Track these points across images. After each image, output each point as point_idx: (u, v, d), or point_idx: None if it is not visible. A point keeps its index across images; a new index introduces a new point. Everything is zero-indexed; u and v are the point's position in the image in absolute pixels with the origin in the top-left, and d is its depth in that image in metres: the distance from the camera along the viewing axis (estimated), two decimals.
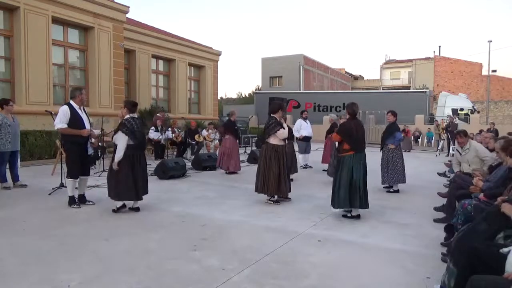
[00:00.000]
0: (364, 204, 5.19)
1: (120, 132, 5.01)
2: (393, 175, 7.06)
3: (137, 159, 5.13)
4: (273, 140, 5.86)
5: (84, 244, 3.92)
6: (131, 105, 5.28)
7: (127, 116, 5.14)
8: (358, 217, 5.19)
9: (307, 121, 10.39)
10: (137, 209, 5.25)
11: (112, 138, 5.29)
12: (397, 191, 7.17)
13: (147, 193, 5.41)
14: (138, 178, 5.11)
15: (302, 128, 10.04)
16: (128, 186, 5.03)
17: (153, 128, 11.73)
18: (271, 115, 6.00)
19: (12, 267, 3.29)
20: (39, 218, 4.85)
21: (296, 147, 9.06)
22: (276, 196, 5.93)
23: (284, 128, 5.85)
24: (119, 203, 5.13)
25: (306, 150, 10.37)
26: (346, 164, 5.16)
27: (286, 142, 6.14)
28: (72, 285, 2.97)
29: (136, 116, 5.27)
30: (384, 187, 7.31)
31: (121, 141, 5.00)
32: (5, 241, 3.93)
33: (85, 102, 5.64)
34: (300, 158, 10.09)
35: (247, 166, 10.41)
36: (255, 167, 10.00)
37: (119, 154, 4.99)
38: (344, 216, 5.23)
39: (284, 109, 6.10)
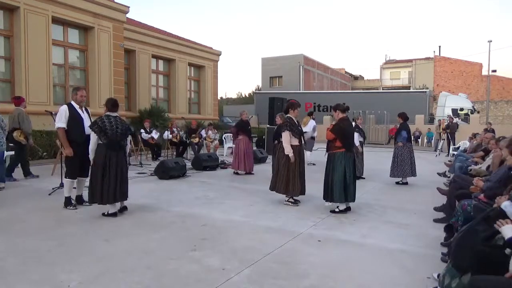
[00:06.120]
0: (353, 198, 5.52)
1: (91, 130, 4.93)
2: (400, 169, 7.93)
3: (110, 160, 4.88)
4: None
5: (84, 244, 3.92)
6: (111, 105, 5.11)
7: (104, 114, 5.04)
8: (349, 209, 5.51)
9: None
10: (124, 209, 5.10)
11: None
12: (406, 183, 8.06)
13: (126, 198, 5.11)
14: (106, 181, 4.83)
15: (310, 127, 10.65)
16: (95, 188, 4.83)
17: (142, 130, 11.83)
18: (287, 114, 6.01)
19: (12, 267, 3.28)
20: (39, 218, 4.85)
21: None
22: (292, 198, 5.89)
23: (291, 131, 5.71)
24: (111, 209, 4.94)
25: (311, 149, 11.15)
26: (338, 160, 5.41)
27: (303, 142, 6.06)
28: (72, 285, 2.97)
29: (114, 115, 5.06)
30: (397, 182, 8.11)
31: (92, 139, 4.92)
32: (5, 241, 3.93)
33: (84, 101, 5.56)
34: (308, 155, 10.35)
35: None
36: (255, 167, 10.07)
37: (90, 153, 4.94)
38: (332, 211, 5.45)
39: (294, 107, 5.95)
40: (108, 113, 5.07)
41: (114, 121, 5.00)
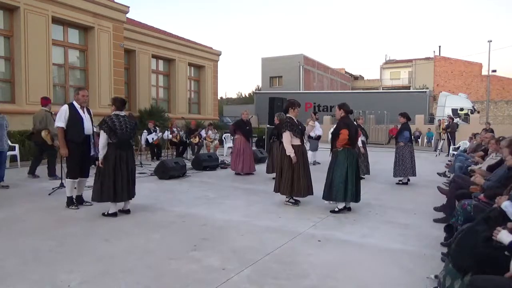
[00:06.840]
0: (357, 198, 5.45)
1: (101, 129, 4.90)
2: (402, 168, 7.99)
3: (121, 159, 4.91)
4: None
5: (84, 244, 3.92)
6: (120, 103, 5.09)
7: (112, 113, 5.04)
8: (349, 209, 5.50)
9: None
10: (127, 212, 5.09)
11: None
12: (406, 183, 8.10)
13: (133, 195, 5.18)
14: (119, 179, 4.86)
15: (317, 128, 10.68)
16: (107, 186, 4.82)
17: (145, 131, 11.76)
18: (287, 114, 5.98)
19: (12, 267, 3.28)
20: (39, 218, 4.85)
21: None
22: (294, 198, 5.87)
23: (291, 131, 5.68)
24: (111, 209, 4.95)
25: (316, 148, 11.41)
26: (342, 158, 5.39)
27: (304, 141, 6.01)
28: (72, 285, 2.97)
29: (123, 114, 5.07)
30: (397, 183, 8.12)
31: (102, 139, 4.89)
32: (5, 241, 3.93)
33: (86, 101, 5.56)
34: (310, 155, 10.33)
35: None
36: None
37: (100, 152, 4.92)
38: (332, 211, 5.43)
39: (294, 106, 5.91)
40: (116, 112, 5.06)
41: (123, 120, 5.01)
